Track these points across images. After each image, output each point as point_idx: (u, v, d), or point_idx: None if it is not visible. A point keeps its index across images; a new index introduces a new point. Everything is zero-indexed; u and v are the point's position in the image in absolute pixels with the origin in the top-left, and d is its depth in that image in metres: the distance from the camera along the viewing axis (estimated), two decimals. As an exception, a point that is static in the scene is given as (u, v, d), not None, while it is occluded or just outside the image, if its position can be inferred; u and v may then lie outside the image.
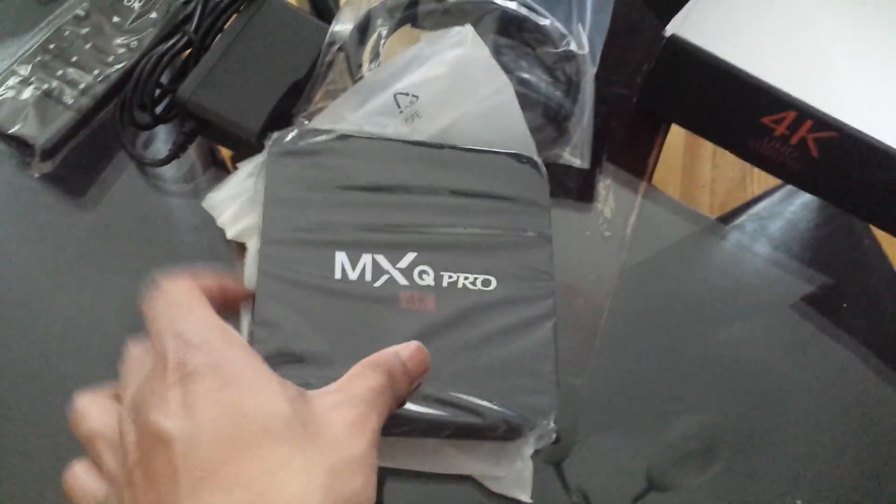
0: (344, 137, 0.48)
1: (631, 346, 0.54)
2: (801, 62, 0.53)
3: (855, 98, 0.52)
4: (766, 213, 0.61)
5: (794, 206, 0.61)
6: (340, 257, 0.44)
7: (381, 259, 0.44)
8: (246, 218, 0.49)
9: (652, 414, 0.52)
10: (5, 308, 0.52)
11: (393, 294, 0.43)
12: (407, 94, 0.50)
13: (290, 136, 0.47)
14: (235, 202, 0.50)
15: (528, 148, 0.52)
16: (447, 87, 0.50)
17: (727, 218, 0.60)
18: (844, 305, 0.56)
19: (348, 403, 0.32)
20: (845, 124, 0.51)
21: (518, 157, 0.50)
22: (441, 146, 0.49)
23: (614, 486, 0.50)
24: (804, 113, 0.51)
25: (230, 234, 0.50)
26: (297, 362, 0.41)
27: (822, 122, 0.51)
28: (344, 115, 0.51)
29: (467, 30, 0.51)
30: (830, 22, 0.55)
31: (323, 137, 0.48)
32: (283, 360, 0.41)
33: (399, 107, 0.50)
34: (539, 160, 0.51)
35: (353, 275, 0.44)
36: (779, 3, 0.56)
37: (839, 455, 0.52)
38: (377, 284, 0.44)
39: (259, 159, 0.49)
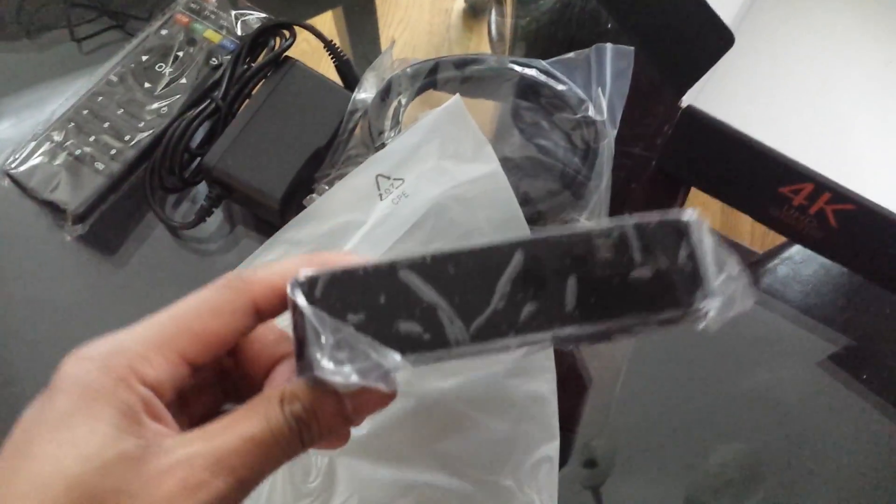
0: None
1: (666, 380, 0.54)
2: (819, 133, 0.53)
3: (873, 169, 0.52)
4: (800, 257, 0.60)
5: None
6: None
7: None
8: None
9: (690, 442, 0.52)
10: (41, 365, 0.53)
11: None
12: (388, 178, 0.51)
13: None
14: None
15: (522, 231, 0.50)
16: (435, 166, 0.50)
17: (761, 260, 0.60)
18: (864, 377, 0.56)
19: (190, 462, 0.26)
20: (863, 197, 0.50)
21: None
22: None
23: None
24: (822, 185, 0.51)
25: None
26: None
27: (840, 195, 0.51)
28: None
29: (458, 107, 0.50)
30: (848, 92, 0.55)
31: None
32: None
33: (379, 189, 0.51)
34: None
35: None
36: (796, 74, 0.55)
37: (874, 489, 0.51)
38: None
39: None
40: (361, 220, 0.50)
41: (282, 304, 0.30)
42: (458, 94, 0.51)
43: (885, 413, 0.54)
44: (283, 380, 0.31)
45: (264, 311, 0.30)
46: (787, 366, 0.56)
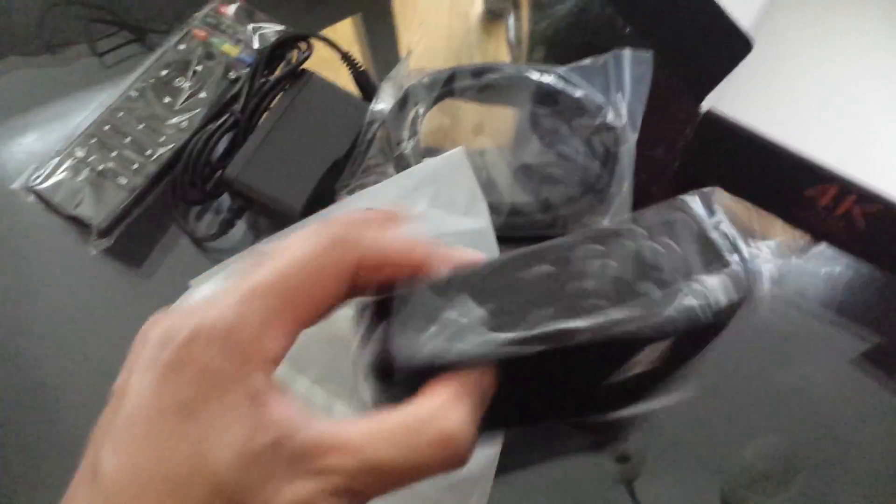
0: None
1: (694, 377, 0.54)
2: (844, 133, 0.52)
3: (898, 170, 0.51)
4: (831, 253, 0.59)
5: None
6: None
7: None
8: None
9: (723, 437, 0.52)
10: (70, 377, 0.54)
11: None
12: None
13: None
14: None
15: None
16: (423, 212, 0.49)
17: (794, 255, 0.59)
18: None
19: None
20: (890, 199, 0.49)
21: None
22: None
23: None
24: (847, 187, 0.50)
25: None
26: None
27: (866, 196, 0.50)
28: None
29: (460, 158, 0.50)
30: (871, 91, 0.54)
31: None
32: None
33: None
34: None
35: None
36: (818, 75, 0.54)
37: None
38: None
39: (213, 277, 0.50)
40: None
41: (383, 280, 0.27)
42: (461, 147, 0.50)
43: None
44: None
45: (359, 283, 0.27)
46: (818, 363, 0.55)
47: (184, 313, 0.25)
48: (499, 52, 0.70)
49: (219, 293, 0.26)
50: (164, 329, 0.25)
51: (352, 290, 0.27)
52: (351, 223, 0.27)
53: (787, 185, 0.53)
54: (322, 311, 0.26)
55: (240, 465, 0.23)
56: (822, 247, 0.59)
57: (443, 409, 0.25)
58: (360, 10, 0.72)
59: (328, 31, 0.70)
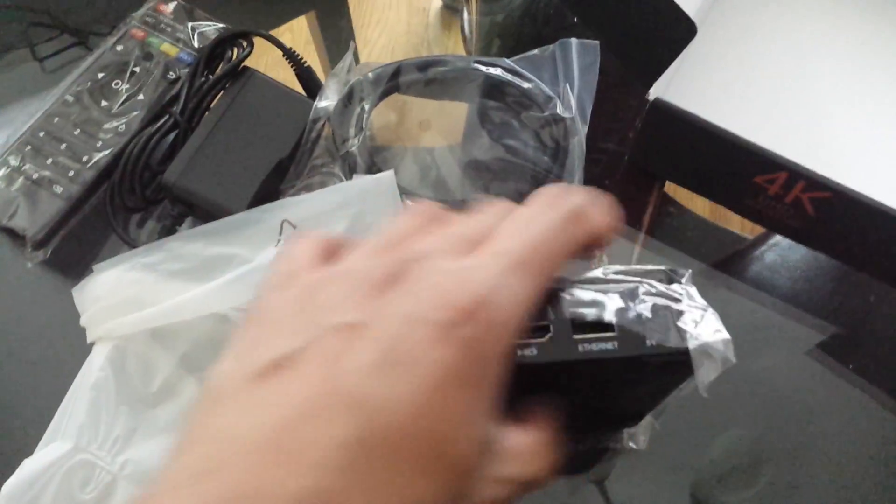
0: None
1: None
2: (793, 120, 0.51)
3: (847, 155, 0.50)
4: (787, 243, 0.58)
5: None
6: None
7: None
8: (104, 324, 0.49)
9: (691, 432, 0.51)
10: (9, 389, 0.53)
11: None
12: (294, 227, 0.49)
13: None
14: (94, 305, 0.49)
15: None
16: (342, 233, 0.49)
17: (749, 247, 0.58)
18: (850, 367, 0.54)
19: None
20: (838, 184, 0.49)
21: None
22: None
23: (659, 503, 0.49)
24: (795, 174, 0.49)
25: (90, 338, 0.49)
26: None
27: (815, 183, 0.49)
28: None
29: (389, 181, 0.50)
30: (821, 77, 0.53)
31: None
32: None
33: (280, 234, 0.49)
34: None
35: None
36: (768, 61, 0.54)
37: (877, 468, 0.51)
38: None
39: (118, 265, 0.50)
40: (247, 257, 0.49)
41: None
42: (392, 171, 0.50)
43: (877, 399, 0.53)
44: None
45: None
46: (777, 355, 0.54)
47: (447, 275, 0.25)
48: (458, 46, 0.69)
49: (471, 262, 0.25)
50: (440, 292, 0.24)
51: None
52: (587, 200, 0.27)
53: (736, 174, 0.53)
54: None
55: (477, 451, 0.24)
56: (777, 237, 0.58)
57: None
58: (313, 7, 0.71)
59: (283, 30, 0.69)
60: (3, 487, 0.44)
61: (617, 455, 0.49)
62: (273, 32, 0.58)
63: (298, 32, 0.69)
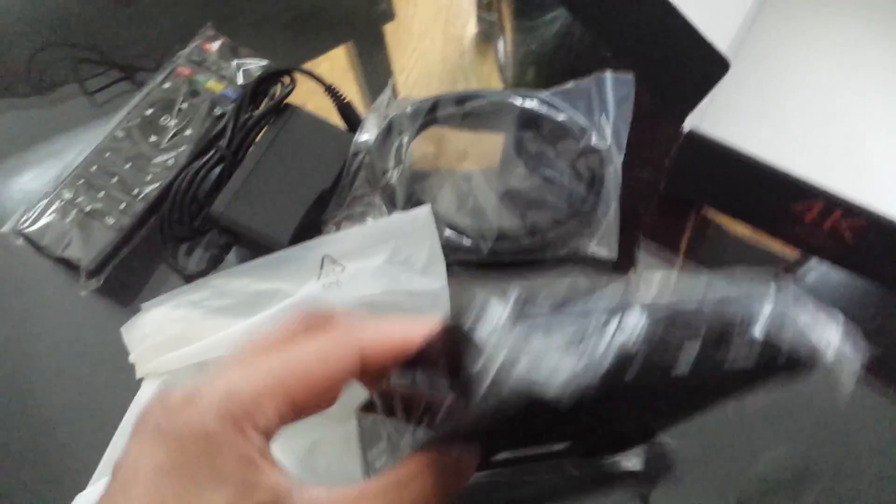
0: None
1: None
2: (826, 149, 0.52)
3: (884, 182, 0.50)
4: (825, 264, 0.58)
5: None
6: None
7: None
8: (157, 359, 0.50)
9: (735, 447, 0.51)
10: (67, 420, 0.54)
11: None
12: (335, 261, 0.51)
13: None
14: (147, 341, 0.51)
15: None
16: (380, 267, 0.50)
17: (791, 267, 0.58)
18: (892, 387, 0.54)
19: None
20: (875, 213, 0.49)
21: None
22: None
23: None
24: (832, 202, 0.49)
25: (139, 374, 0.51)
26: None
27: (852, 210, 0.49)
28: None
29: (427, 217, 0.51)
30: (854, 104, 0.54)
31: None
32: None
33: (322, 268, 0.51)
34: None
35: None
36: (802, 90, 0.54)
37: None
38: None
39: (166, 303, 0.51)
40: (290, 291, 0.51)
41: (388, 361, 0.30)
42: (428, 206, 0.51)
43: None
44: None
45: (369, 365, 0.30)
46: (817, 375, 0.54)
47: (186, 386, 0.26)
48: (493, 74, 0.70)
49: (219, 365, 0.27)
50: (161, 395, 0.26)
51: (361, 372, 0.30)
52: (351, 324, 0.30)
53: (772, 202, 0.53)
54: (327, 391, 0.29)
55: None
56: (815, 260, 0.58)
57: (416, 477, 0.29)
58: (351, 38, 0.72)
59: (321, 60, 0.70)
60: None
61: (663, 470, 0.50)
62: (312, 63, 0.59)
63: (336, 61, 0.70)
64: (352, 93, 0.60)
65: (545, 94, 0.56)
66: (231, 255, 0.57)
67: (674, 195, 0.59)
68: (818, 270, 0.58)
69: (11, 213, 0.58)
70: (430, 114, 0.55)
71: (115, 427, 0.50)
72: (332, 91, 0.58)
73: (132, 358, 0.52)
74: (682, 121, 0.51)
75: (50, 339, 0.57)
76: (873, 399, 0.53)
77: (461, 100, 0.55)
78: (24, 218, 0.56)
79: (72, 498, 0.47)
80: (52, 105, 0.69)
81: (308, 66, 0.60)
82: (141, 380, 0.51)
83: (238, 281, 0.52)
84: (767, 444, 0.51)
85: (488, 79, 0.69)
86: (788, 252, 0.59)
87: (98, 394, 0.55)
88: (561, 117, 0.54)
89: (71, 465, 0.52)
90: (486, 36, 0.72)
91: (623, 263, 0.56)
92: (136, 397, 0.51)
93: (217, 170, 0.55)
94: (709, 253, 0.59)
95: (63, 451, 0.53)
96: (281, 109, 0.56)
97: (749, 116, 0.53)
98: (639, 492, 0.49)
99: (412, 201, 0.53)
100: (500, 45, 0.71)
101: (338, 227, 0.54)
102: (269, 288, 0.51)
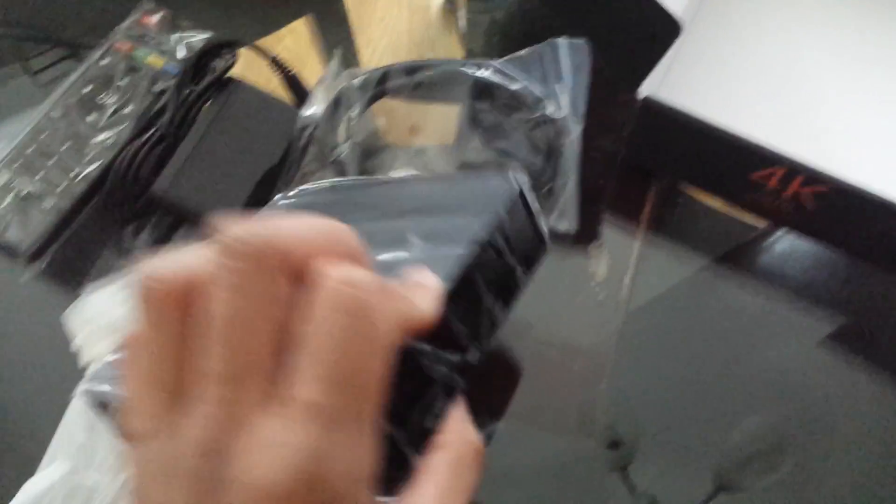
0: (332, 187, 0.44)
1: (675, 360, 0.52)
2: (786, 115, 0.50)
3: (844, 148, 0.49)
4: (792, 234, 0.56)
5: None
6: None
7: None
8: (96, 346, 0.48)
9: (711, 418, 0.50)
10: (13, 402, 0.52)
11: None
12: None
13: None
14: (89, 327, 0.49)
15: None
16: None
17: (759, 237, 0.56)
18: (861, 356, 0.53)
19: None
20: (835, 178, 0.47)
21: (494, 175, 0.39)
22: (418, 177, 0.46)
23: (682, 489, 0.48)
24: (793, 168, 0.48)
25: (83, 360, 0.49)
26: None
27: (813, 177, 0.48)
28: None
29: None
30: (813, 72, 0.52)
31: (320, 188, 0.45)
32: None
33: None
34: (515, 177, 0.39)
35: None
36: (761, 55, 0.52)
37: (892, 454, 0.50)
38: None
39: (109, 286, 0.49)
40: None
41: None
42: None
43: (890, 386, 0.51)
44: None
45: None
46: (789, 346, 0.53)
47: (264, 458, 0.22)
48: (459, 44, 0.68)
49: (282, 428, 0.22)
50: (264, 487, 0.21)
51: None
52: (383, 292, 0.24)
53: (732, 170, 0.51)
54: None
55: None
56: (783, 230, 0.57)
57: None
58: (312, 10, 0.70)
59: (284, 33, 0.67)
60: None
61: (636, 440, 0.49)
62: (273, 37, 0.57)
63: (300, 35, 0.68)
64: (315, 67, 0.57)
65: (498, 62, 0.53)
66: (177, 237, 0.55)
67: (633, 166, 0.57)
68: (787, 240, 0.56)
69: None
70: (380, 85, 0.53)
71: (62, 415, 0.48)
72: (277, 63, 0.55)
73: (75, 344, 0.49)
74: (636, 88, 0.49)
75: (-8, 328, 0.54)
76: (843, 370, 0.52)
77: (412, 70, 0.53)
78: (-41, 203, 0.53)
79: (20, 486, 0.45)
80: (-6, 85, 0.66)
81: (270, 40, 0.58)
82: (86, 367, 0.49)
83: None
84: (741, 415, 0.50)
85: (454, 50, 0.67)
86: (760, 221, 0.57)
87: (44, 382, 0.53)
88: (515, 86, 0.52)
89: (18, 455, 0.50)
90: (451, 4, 0.69)
91: (585, 236, 0.55)
92: (82, 383, 0.49)
93: (159, 148, 0.53)
94: (677, 223, 0.57)
95: (10, 440, 0.51)
96: (223, 84, 0.54)
97: (707, 83, 0.51)
98: (618, 465, 0.48)
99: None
100: (461, 12, 0.68)
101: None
102: None
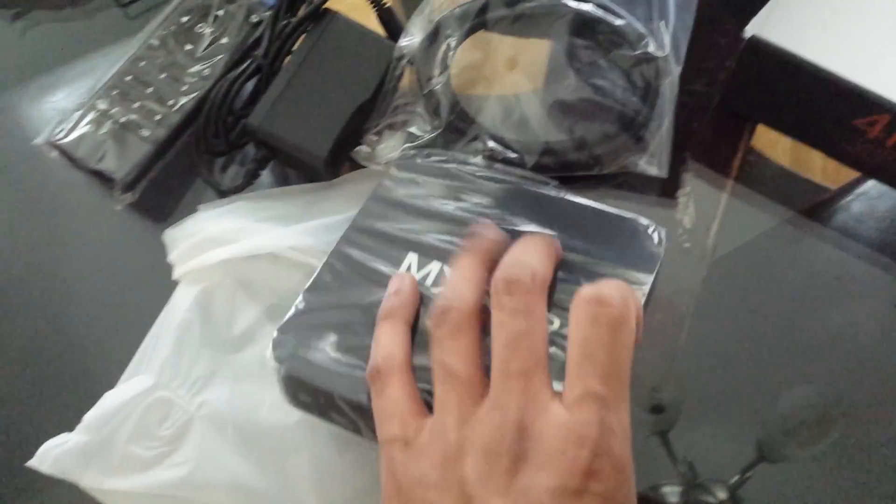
0: (464, 164, 0.47)
1: (734, 323, 0.51)
2: (894, 61, 0.48)
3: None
4: (875, 192, 0.55)
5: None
6: (411, 257, 0.42)
7: (448, 271, 0.41)
8: (193, 259, 0.49)
9: (760, 385, 0.49)
10: (100, 332, 0.53)
11: None
12: None
13: (414, 154, 0.48)
14: (187, 241, 0.49)
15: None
16: None
17: (834, 197, 0.55)
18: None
19: None
20: (947, 126, 0.45)
21: (640, 224, 0.44)
22: (560, 195, 0.45)
23: (723, 456, 0.47)
24: (901, 115, 0.46)
25: (176, 274, 0.50)
26: (329, 333, 0.40)
27: (921, 125, 0.46)
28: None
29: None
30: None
31: (445, 161, 0.47)
32: (316, 327, 0.40)
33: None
34: (662, 232, 0.43)
35: (416, 275, 0.41)
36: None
37: None
38: (435, 291, 0.41)
39: (222, 206, 0.51)
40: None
41: None
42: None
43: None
44: None
45: None
46: (861, 307, 0.51)
47: (559, 434, 0.31)
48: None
49: (571, 414, 0.31)
50: (566, 459, 0.30)
51: None
52: (628, 303, 0.34)
53: (834, 116, 0.49)
54: None
55: None
56: (870, 184, 0.55)
57: None
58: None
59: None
60: (84, 418, 0.45)
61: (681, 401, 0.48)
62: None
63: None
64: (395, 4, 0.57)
65: (602, -4, 0.52)
66: (266, 172, 0.55)
67: (726, 111, 0.56)
68: (863, 199, 0.55)
69: (45, 128, 0.56)
70: (480, 16, 0.52)
71: (144, 334, 0.49)
72: (373, -5, 0.55)
73: (171, 257, 0.50)
74: (745, 24, 0.47)
75: (84, 253, 0.55)
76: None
77: (513, 1, 0.52)
78: (58, 129, 0.54)
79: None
80: (85, 17, 0.67)
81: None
82: (175, 285, 0.50)
83: (305, 196, 0.51)
84: (793, 382, 0.49)
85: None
86: (829, 181, 0.56)
87: (131, 302, 0.54)
88: (618, 22, 0.50)
89: (103, 366, 0.50)
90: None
91: (669, 185, 0.54)
92: (171, 300, 0.49)
93: (254, 80, 0.53)
94: (750, 179, 0.55)
95: (97, 351, 0.53)
96: (319, 16, 0.53)
97: (811, 25, 0.49)
98: (658, 429, 0.47)
99: (455, 111, 0.51)
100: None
101: (379, 136, 0.51)
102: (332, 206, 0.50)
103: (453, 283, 0.35)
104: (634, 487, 0.31)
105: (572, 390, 0.31)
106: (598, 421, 0.30)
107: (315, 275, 0.43)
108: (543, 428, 0.30)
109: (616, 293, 0.32)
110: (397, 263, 0.42)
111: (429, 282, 0.41)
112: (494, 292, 0.33)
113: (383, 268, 0.42)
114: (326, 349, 0.39)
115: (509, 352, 0.32)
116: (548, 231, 0.42)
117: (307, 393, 0.40)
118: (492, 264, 0.35)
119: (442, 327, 0.33)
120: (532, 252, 0.36)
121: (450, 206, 0.45)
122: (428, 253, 0.42)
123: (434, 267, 0.42)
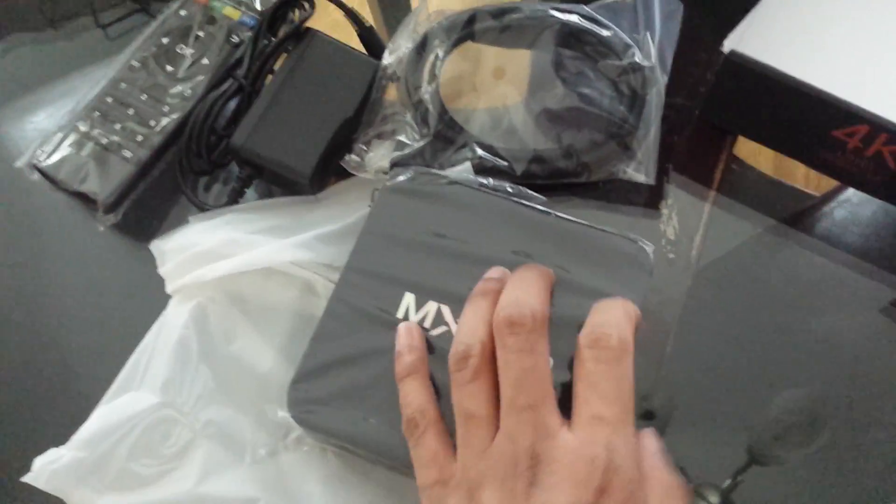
0: (453, 184, 0.46)
1: (722, 328, 0.52)
2: (871, 72, 0.48)
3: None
4: (857, 199, 0.55)
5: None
6: (408, 297, 0.43)
7: (445, 310, 0.42)
8: (188, 274, 0.48)
9: (750, 390, 0.50)
10: (87, 353, 0.52)
11: (443, 347, 0.40)
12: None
13: (405, 176, 0.47)
14: (179, 255, 0.49)
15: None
16: None
17: (818, 204, 0.56)
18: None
19: None
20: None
21: (627, 241, 0.44)
22: (549, 213, 0.45)
23: (714, 461, 0.48)
24: (877, 126, 0.46)
25: (169, 289, 0.50)
26: (341, 383, 0.42)
27: (898, 135, 0.46)
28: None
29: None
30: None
31: (434, 183, 0.47)
32: (327, 378, 0.42)
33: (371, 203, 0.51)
34: (649, 249, 0.44)
35: (413, 317, 0.43)
36: (845, 11, 0.51)
37: None
38: (433, 333, 0.42)
39: (213, 219, 0.51)
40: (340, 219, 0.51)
41: None
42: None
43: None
44: None
45: None
46: (846, 312, 0.52)
47: (572, 458, 0.33)
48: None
49: (581, 437, 0.34)
50: (578, 479, 0.32)
51: None
52: (628, 328, 0.37)
53: (813, 128, 0.50)
54: None
55: None
56: (852, 191, 0.55)
57: None
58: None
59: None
60: (78, 434, 0.45)
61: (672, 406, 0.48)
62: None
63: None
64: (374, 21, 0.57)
65: (587, 7, 0.52)
66: (252, 190, 0.55)
67: (708, 123, 0.56)
68: (846, 206, 0.55)
69: (26, 150, 0.55)
70: (467, 27, 0.52)
71: (129, 353, 0.49)
72: (353, 15, 0.55)
73: (162, 272, 0.50)
74: (723, 39, 0.48)
75: (67, 274, 0.55)
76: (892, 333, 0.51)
77: (500, 13, 0.52)
78: (40, 151, 0.53)
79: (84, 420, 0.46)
80: (65, 39, 0.66)
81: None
82: (160, 305, 0.50)
83: (295, 207, 0.51)
84: (782, 386, 0.49)
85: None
86: (812, 188, 0.56)
87: (115, 320, 0.53)
88: (605, 33, 0.51)
89: (87, 383, 0.50)
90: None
91: (656, 194, 0.54)
92: (162, 315, 0.49)
93: (235, 100, 0.53)
94: (733, 188, 0.56)
95: (81, 369, 0.52)
96: (300, 35, 0.53)
97: (789, 38, 0.49)
98: None
99: (444, 120, 0.51)
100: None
101: (367, 146, 0.51)
102: (323, 215, 0.50)
103: (470, 327, 0.37)
104: (645, 502, 0.33)
105: (579, 416, 0.34)
106: (606, 442, 0.32)
107: (319, 323, 0.44)
108: (554, 452, 0.32)
109: (613, 329, 0.35)
110: (395, 305, 0.43)
111: (427, 323, 0.42)
112: (498, 333, 0.35)
113: (383, 312, 0.43)
114: (341, 400, 0.41)
115: (517, 389, 0.34)
116: (538, 251, 0.44)
117: (325, 438, 0.42)
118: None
119: (462, 372, 0.36)
120: (529, 289, 0.37)
121: (440, 240, 0.45)
122: (423, 292, 0.43)
123: (431, 307, 0.43)
